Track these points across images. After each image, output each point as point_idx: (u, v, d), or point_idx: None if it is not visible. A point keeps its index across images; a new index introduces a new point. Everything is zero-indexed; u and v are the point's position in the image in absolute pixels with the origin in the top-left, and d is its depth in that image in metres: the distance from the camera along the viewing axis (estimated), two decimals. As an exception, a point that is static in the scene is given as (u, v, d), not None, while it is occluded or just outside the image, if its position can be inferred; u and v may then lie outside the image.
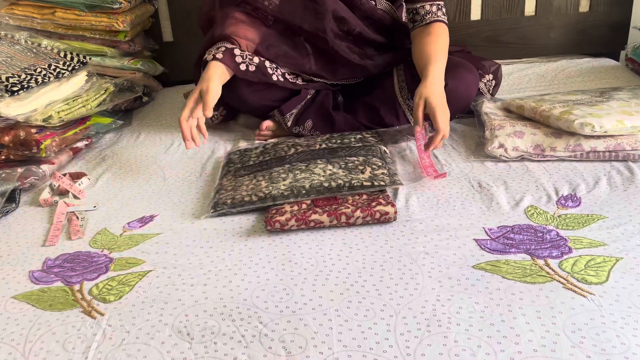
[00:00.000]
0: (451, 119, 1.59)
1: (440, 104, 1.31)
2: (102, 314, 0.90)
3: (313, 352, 0.79)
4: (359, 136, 1.46)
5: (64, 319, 0.89)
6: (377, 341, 0.80)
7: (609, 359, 0.75)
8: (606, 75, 1.94)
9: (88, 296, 0.95)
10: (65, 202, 1.28)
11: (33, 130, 1.45)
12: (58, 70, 1.55)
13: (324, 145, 1.41)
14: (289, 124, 1.57)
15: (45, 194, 1.32)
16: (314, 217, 1.10)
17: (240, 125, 1.74)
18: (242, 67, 1.49)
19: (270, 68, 1.54)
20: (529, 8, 2.18)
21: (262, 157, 1.40)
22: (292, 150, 1.40)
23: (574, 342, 0.78)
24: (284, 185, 1.21)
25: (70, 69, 1.59)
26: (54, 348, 0.83)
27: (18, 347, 0.84)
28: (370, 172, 1.24)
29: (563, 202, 1.16)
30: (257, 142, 1.57)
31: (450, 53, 1.49)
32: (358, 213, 1.10)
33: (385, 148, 1.41)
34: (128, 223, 1.20)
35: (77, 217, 1.22)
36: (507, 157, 1.36)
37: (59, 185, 1.35)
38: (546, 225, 1.08)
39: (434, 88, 1.34)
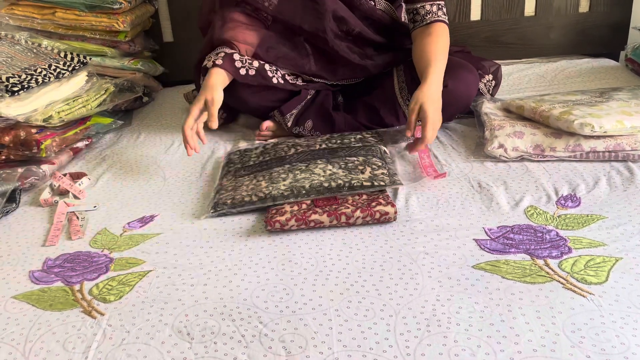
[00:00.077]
0: (451, 119, 1.61)
1: (433, 113, 1.31)
2: (102, 314, 0.90)
3: (313, 352, 0.79)
4: (359, 136, 1.46)
5: (64, 319, 0.89)
6: (377, 341, 0.80)
7: (609, 359, 0.75)
8: (606, 76, 1.95)
9: (88, 296, 0.95)
10: (65, 202, 1.28)
11: (33, 131, 1.45)
12: (58, 70, 1.55)
13: (324, 146, 1.41)
14: (289, 124, 1.57)
15: (46, 194, 1.32)
16: (314, 217, 1.10)
17: (241, 126, 1.74)
18: (242, 71, 1.49)
19: (270, 71, 1.54)
20: (529, 8, 2.18)
21: (262, 157, 1.40)
22: (292, 150, 1.40)
23: (573, 342, 0.78)
24: (284, 185, 1.21)
25: (70, 69, 1.60)
26: (54, 348, 0.83)
27: (18, 347, 0.84)
28: (370, 172, 1.24)
29: (563, 202, 1.16)
30: (257, 142, 1.58)
31: (450, 53, 1.49)
32: (358, 213, 1.11)
33: (385, 148, 1.41)
34: (128, 223, 1.20)
35: (78, 217, 1.22)
36: (507, 158, 1.36)
37: (59, 185, 1.35)
38: (546, 225, 1.08)
39: (430, 93, 1.34)
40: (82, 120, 1.61)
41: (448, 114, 1.53)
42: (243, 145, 1.56)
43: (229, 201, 1.20)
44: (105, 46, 1.90)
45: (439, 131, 1.56)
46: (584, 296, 0.87)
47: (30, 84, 1.46)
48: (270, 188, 1.21)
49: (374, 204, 1.13)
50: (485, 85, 1.66)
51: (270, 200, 1.17)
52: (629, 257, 0.96)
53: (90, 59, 1.69)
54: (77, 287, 0.98)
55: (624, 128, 1.30)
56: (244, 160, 1.40)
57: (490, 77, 1.67)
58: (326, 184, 1.19)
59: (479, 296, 0.88)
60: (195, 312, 0.89)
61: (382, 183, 1.20)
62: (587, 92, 1.59)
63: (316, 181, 1.21)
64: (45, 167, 1.44)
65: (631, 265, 0.94)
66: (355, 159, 1.31)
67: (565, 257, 0.97)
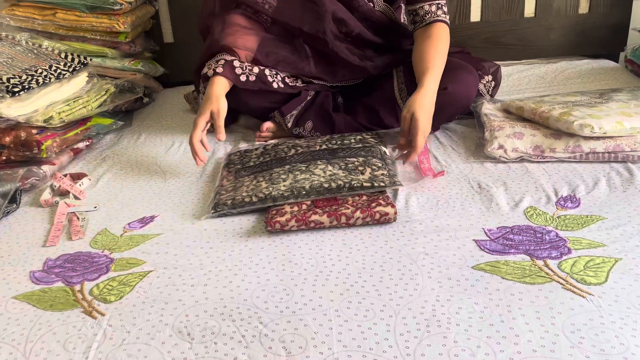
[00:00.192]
0: (451, 120, 1.61)
1: (423, 123, 1.31)
2: (102, 314, 0.90)
3: (313, 352, 0.79)
4: (359, 137, 1.47)
5: (65, 319, 0.90)
6: (377, 341, 0.81)
7: (608, 359, 0.75)
8: (605, 77, 1.95)
9: (89, 296, 0.95)
10: (65, 203, 1.28)
11: (34, 131, 1.45)
12: (59, 71, 1.56)
13: (324, 146, 1.41)
14: (290, 125, 1.57)
15: (46, 195, 1.32)
16: (314, 217, 1.10)
17: (241, 127, 1.74)
18: (242, 78, 1.50)
19: (270, 75, 1.55)
20: (529, 9, 2.18)
21: (263, 158, 1.40)
22: (292, 151, 1.40)
23: (573, 343, 0.78)
24: (284, 186, 1.21)
25: (71, 70, 1.60)
26: (55, 348, 0.84)
27: (19, 347, 0.84)
28: (370, 173, 1.24)
29: (562, 203, 1.16)
30: (257, 143, 1.58)
31: (449, 54, 1.49)
32: (358, 214, 1.11)
33: (385, 149, 1.41)
34: (128, 223, 1.20)
35: (78, 218, 1.22)
36: (507, 158, 1.36)
37: (60, 186, 1.35)
38: (545, 226, 1.08)
39: (423, 102, 1.34)
40: (83, 121, 1.62)
41: (448, 114, 1.53)
42: (243, 146, 1.56)
43: (229, 202, 1.21)
44: (106, 47, 1.90)
45: (439, 132, 1.58)
46: (583, 297, 0.87)
47: (31, 85, 1.46)
48: (271, 189, 1.21)
49: (374, 204, 1.13)
50: (485, 86, 1.66)
51: (271, 200, 1.17)
52: (629, 257, 0.96)
53: (90, 59, 1.69)
54: (77, 287, 0.98)
55: (623, 129, 1.30)
56: (244, 161, 1.41)
57: (490, 78, 1.67)
58: (326, 185, 1.19)
59: (479, 297, 0.88)
60: (196, 312, 0.89)
61: (382, 184, 1.20)
62: (586, 93, 1.59)
63: (316, 182, 1.21)
64: (46, 168, 1.44)
65: (630, 266, 0.94)
66: (355, 159, 1.31)
67: (564, 257, 0.97)
